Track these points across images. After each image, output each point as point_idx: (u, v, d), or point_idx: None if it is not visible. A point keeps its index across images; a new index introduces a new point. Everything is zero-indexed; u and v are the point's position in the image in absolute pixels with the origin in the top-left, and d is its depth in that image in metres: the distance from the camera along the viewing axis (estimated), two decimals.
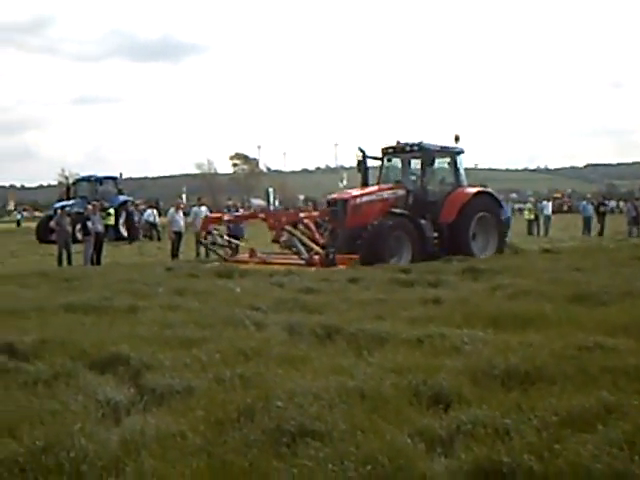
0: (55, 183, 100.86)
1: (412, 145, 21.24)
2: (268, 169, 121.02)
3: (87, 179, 40.16)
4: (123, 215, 36.91)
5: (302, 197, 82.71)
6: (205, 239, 20.81)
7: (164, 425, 4.90)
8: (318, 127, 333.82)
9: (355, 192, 21.25)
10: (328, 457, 4.26)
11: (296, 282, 13.72)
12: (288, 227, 19.27)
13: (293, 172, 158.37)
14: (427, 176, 21.14)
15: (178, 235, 23.50)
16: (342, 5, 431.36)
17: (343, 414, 4.94)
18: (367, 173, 22.23)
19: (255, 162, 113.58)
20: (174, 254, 22.97)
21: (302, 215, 20.81)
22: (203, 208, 25.16)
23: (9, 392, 5.85)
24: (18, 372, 6.51)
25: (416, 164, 21.78)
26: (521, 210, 48.38)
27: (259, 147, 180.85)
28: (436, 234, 20.20)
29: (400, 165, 22.29)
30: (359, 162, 21.96)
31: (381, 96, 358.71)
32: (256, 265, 18.43)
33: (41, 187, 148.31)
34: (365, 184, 21.96)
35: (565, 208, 72.83)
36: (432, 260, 18.59)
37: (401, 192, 20.70)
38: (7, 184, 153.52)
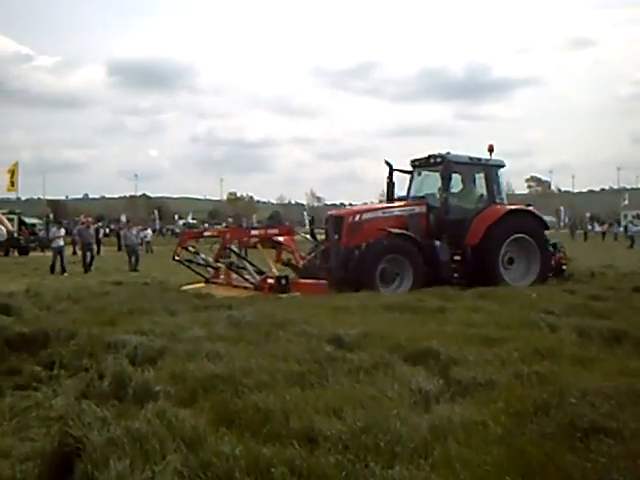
0: (376, 201, 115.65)
1: (436, 157, 19.49)
2: (559, 190, 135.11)
3: (401, 198, 44.10)
4: None
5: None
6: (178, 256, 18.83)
7: (468, 414, 5.51)
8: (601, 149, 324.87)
9: (357, 208, 19.79)
10: (620, 455, 4.56)
11: (584, 289, 15.05)
12: (233, 246, 18.19)
13: (580, 192, 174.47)
14: (449, 191, 18.96)
15: None
16: None
17: (633, 414, 5.24)
18: (393, 188, 20.75)
19: (547, 184, 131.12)
20: None
21: (270, 232, 18.63)
22: None
23: (336, 378, 6.81)
24: (344, 361, 7.53)
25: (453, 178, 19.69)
26: None
27: (551, 171, 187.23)
28: (458, 257, 18.48)
29: (428, 180, 20.43)
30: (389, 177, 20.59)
31: None
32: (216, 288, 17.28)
33: (365, 204, 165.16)
34: (390, 200, 20.52)
35: None
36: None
37: (419, 209, 19.07)
38: (337, 202, 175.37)
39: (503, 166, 20.02)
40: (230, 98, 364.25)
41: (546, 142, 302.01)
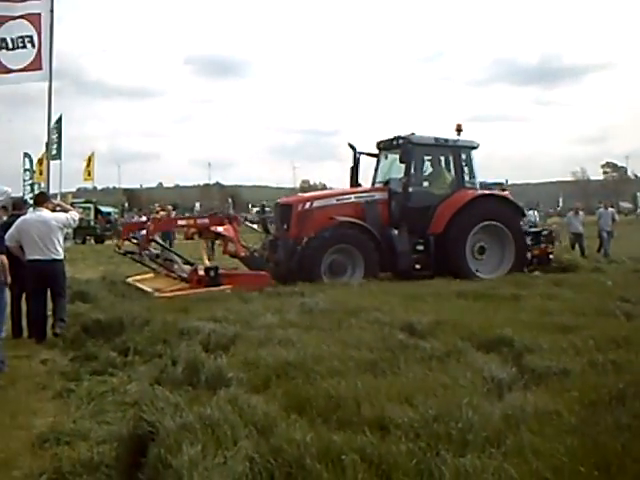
0: None
1: (398, 138, 18.15)
2: (635, 176, 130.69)
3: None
4: None
5: None
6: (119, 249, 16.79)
7: (542, 403, 5.47)
8: None
9: (308, 195, 18.32)
10: None
11: None
12: (157, 237, 16.66)
13: None
14: (410, 176, 17.77)
15: (576, 236, 26.12)
16: None
17: None
18: (357, 173, 19.34)
19: (623, 170, 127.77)
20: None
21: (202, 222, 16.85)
22: (610, 209, 27.52)
23: (408, 365, 6.84)
24: (416, 348, 7.57)
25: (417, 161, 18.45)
26: None
27: (627, 157, 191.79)
28: (421, 247, 17.34)
29: (395, 164, 18.68)
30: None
31: None
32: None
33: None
34: (355, 186, 19.16)
35: None
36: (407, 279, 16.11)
37: (380, 196, 17.83)
38: None
39: (475, 147, 18.74)
40: (303, 86, 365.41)
41: (622, 128, 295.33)
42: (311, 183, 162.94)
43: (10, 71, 13.30)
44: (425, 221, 17.41)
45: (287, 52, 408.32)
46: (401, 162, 17.67)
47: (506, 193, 19.61)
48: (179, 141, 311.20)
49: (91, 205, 50.50)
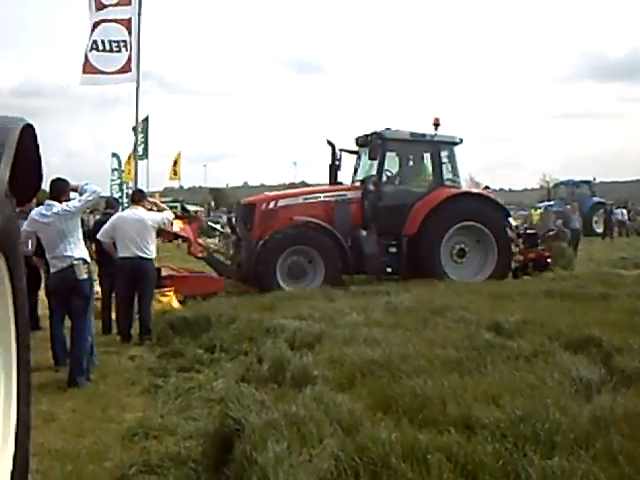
0: (537, 187, 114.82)
1: (372, 134, 17.12)
2: None
3: (565, 183, 47.06)
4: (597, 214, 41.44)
5: None
6: None
7: (632, 405, 5.35)
8: None
9: (274, 194, 17.41)
10: None
11: None
12: None
13: None
14: (383, 174, 16.86)
15: None
16: None
17: None
18: (336, 171, 17.99)
19: None
20: None
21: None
22: None
23: (495, 365, 6.78)
24: (503, 348, 7.50)
25: (390, 158, 17.34)
26: None
27: None
28: (394, 249, 16.35)
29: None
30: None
31: None
32: None
33: (525, 190, 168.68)
34: (334, 184, 17.90)
35: None
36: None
37: (352, 194, 16.85)
38: (497, 187, 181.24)
39: (456, 143, 17.65)
40: (388, 83, 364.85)
41: None
42: None
43: (100, 72, 13.67)
44: (400, 221, 16.44)
45: (371, 50, 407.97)
46: (370, 159, 16.94)
47: (486, 192, 18.47)
48: (264, 140, 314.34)
49: (178, 204, 51.31)
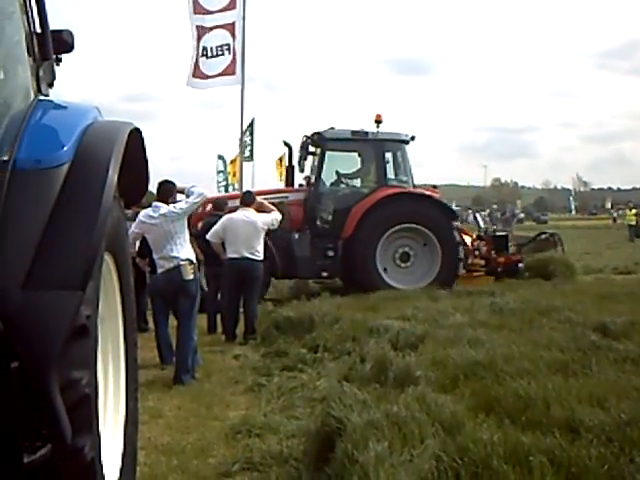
0: None
1: (314, 134, 16.24)
2: None
3: None
4: None
5: None
6: None
7: None
8: None
9: (210, 197, 15.05)
10: None
11: None
12: None
13: None
14: (319, 174, 15.94)
15: None
16: None
17: None
18: (293, 172, 16.96)
19: None
20: None
21: None
22: None
23: (600, 367, 6.68)
24: (609, 350, 7.38)
25: (336, 158, 16.41)
26: None
27: None
28: (332, 253, 15.37)
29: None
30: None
31: None
32: None
33: (634, 189, 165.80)
34: (291, 186, 16.97)
35: None
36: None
37: (295, 196, 16.10)
38: (605, 186, 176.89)
39: (405, 141, 16.80)
40: (487, 83, 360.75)
41: None
42: (502, 181, 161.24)
43: (206, 77, 14.04)
44: (340, 223, 15.74)
45: (472, 50, 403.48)
46: (301, 158, 16.56)
47: (429, 192, 17.22)
48: None
49: None
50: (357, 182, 17.25)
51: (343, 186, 16.87)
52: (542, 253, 18.30)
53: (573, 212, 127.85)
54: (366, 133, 16.27)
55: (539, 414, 5.30)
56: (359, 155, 17.04)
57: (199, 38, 13.90)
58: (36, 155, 3.04)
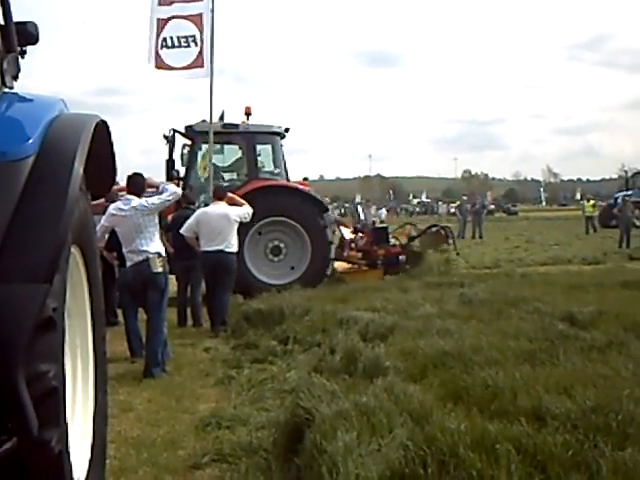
0: (615, 177, 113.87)
1: (186, 128, 16.02)
2: None
3: None
4: None
5: None
6: None
7: None
8: None
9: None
10: None
11: None
12: None
13: None
14: (194, 169, 15.85)
15: None
16: None
17: None
18: (173, 165, 15.89)
19: None
20: None
21: None
22: None
23: (567, 356, 6.75)
24: (576, 339, 7.47)
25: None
26: None
27: None
28: None
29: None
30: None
31: None
32: None
33: (603, 180, 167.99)
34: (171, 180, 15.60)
35: None
36: None
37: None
38: (574, 178, 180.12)
39: (278, 133, 16.46)
40: (457, 76, 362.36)
41: None
42: (472, 173, 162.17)
43: (171, 68, 13.94)
44: None
45: (442, 42, 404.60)
46: (170, 153, 15.95)
47: (296, 184, 16.72)
48: (338, 134, 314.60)
49: None
50: (234, 175, 17.00)
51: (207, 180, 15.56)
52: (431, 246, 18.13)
53: (543, 203, 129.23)
54: (236, 125, 16.11)
55: (506, 403, 5.33)
56: (240, 148, 16.75)
57: (161, 29, 13.70)
58: (1, 148, 3.03)
